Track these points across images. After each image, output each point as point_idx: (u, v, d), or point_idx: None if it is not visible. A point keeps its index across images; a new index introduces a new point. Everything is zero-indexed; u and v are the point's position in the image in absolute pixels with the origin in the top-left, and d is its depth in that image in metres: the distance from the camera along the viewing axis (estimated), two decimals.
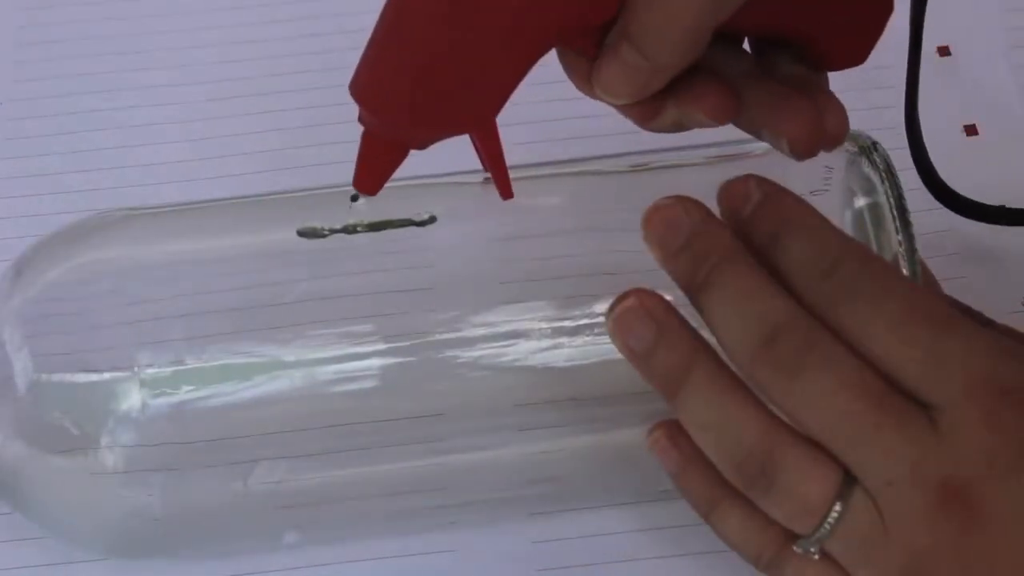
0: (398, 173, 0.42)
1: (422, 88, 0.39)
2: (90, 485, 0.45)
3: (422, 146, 0.41)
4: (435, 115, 0.39)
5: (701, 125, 0.42)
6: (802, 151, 0.42)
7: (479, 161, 0.43)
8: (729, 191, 0.41)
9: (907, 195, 0.44)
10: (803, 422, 0.39)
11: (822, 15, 0.42)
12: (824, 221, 0.41)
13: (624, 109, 0.42)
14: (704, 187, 0.42)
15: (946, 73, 0.60)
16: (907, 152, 0.52)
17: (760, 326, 0.39)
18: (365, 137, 0.41)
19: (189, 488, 0.45)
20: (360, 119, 0.40)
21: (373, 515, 0.48)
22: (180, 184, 0.58)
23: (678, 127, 0.42)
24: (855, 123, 0.44)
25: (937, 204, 0.55)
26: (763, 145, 0.45)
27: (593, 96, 0.41)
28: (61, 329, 0.45)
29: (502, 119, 0.41)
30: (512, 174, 0.42)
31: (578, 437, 0.46)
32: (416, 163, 0.42)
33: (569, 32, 0.40)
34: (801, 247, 0.40)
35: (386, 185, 0.42)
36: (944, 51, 0.61)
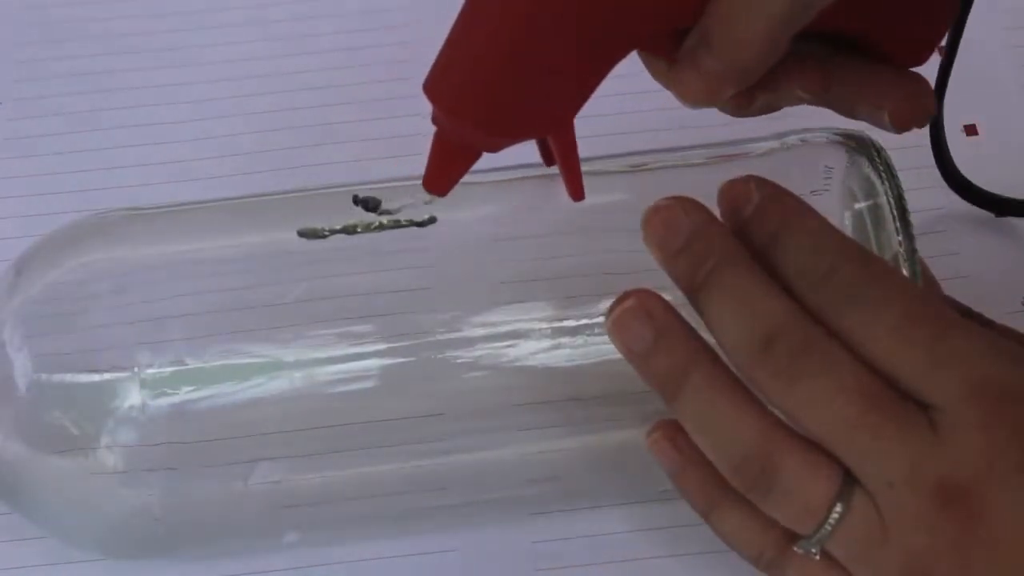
0: (398, 173, 0.41)
1: (500, 94, 0.38)
2: (90, 485, 0.45)
3: (496, 149, 0.40)
4: (513, 121, 0.39)
5: (793, 103, 0.42)
6: (903, 123, 0.42)
7: (543, 159, 0.42)
8: (730, 192, 0.41)
9: (907, 196, 0.44)
10: (802, 424, 0.39)
11: (888, 16, 0.42)
12: (824, 223, 0.40)
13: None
14: (704, 187, 0.42)
15: None
16: (916, 149, 0.52)
17: (757, 328, 0.39)
18: (437, 138, 0.40)
19: (189, 488, 0.45)
20: (433, 119, 0.40)
21: (373, 515, 0.48)
22: (180, 184, 0.58)
23: (769, 109, 0.43)
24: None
25: (938, 206, 0.55)
26: (763, 145, 0.45)
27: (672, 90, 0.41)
28: (61, 329, 0.45)
29: None
30: (512, 175, 0.42)
31: (578, 437, 0.46)
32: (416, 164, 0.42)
33: (647, 37, 0.40)
34: (800, 249, 0.40)
35: (387, 185, 0.42)
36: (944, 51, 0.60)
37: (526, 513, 0.49)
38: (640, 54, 0.41)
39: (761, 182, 0.41)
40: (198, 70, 0.62)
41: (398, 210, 0.45)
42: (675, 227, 0.40)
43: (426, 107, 0.39)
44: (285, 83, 0.61)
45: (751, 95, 0.42)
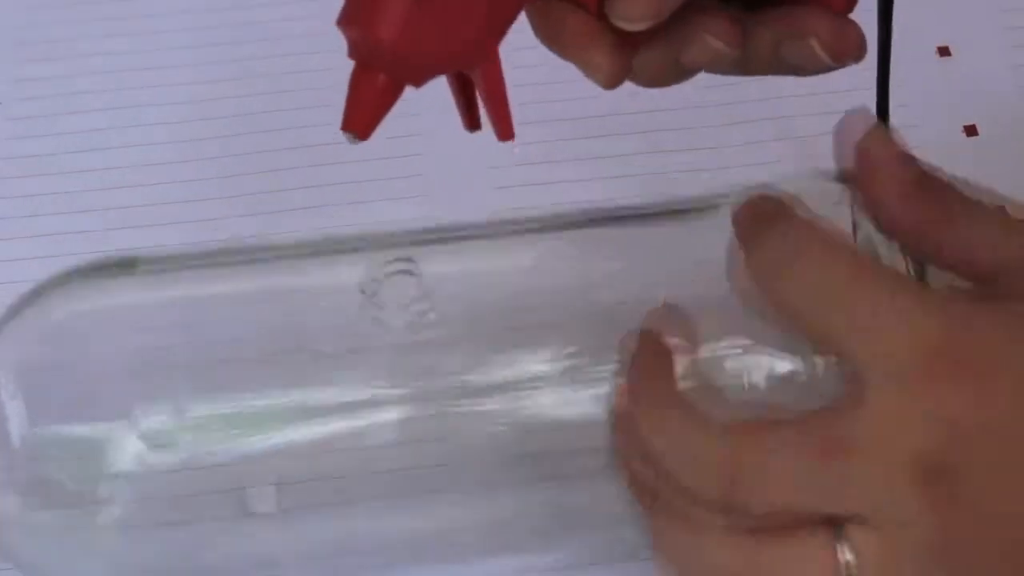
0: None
1: (419, 16, 0.37)
2: (88, 539, 0.44)
3: (417, 81, 0.38)
4: (434, 47, 0.38)
5: (707, 58, 0.41)
6: (837, 51, 0.41)
7: (460, 111, 0.41)
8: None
9: None
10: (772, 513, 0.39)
11: None
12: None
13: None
14: (703, 238, 0.41)
15: (946, 73, 0.60)
16: None
17: (708, 475, 0.38)
18: (356, 74, 0.38)
19: (190, 542, 0.44)
20: (350, 53, 0.38)
21: (375, 565, 0.47)
22: (181, 184, 0.58)
23: (685, 70, 0.42)
24: None
25: None
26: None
27: (563, 52, 0.40)
28: (57, 380, 0.44)
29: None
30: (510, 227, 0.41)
31: (588, 488, 0.45)
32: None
33: None
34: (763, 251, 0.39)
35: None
36: (944, 51, 0.61)
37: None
38: (540, 17, 0.40)
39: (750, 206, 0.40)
40: (199, 70, 0.62)
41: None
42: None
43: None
44: (292, 83, 0.61)
45: (666, 51, 0.41)
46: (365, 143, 0.39)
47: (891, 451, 0.37)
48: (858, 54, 0.42)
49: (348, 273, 0.44)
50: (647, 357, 0.40)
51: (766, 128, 0.53)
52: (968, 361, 0.37)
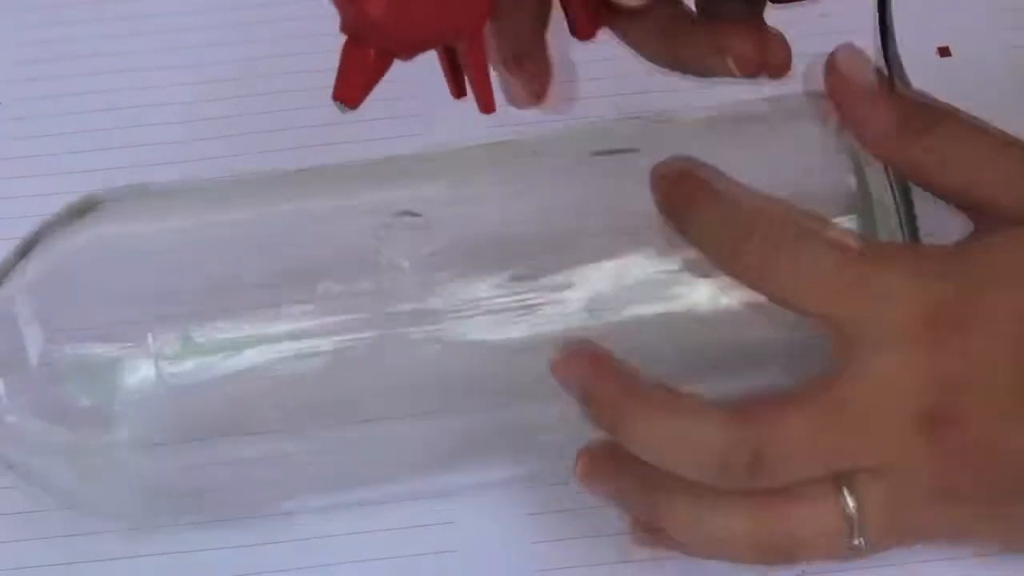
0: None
1: None
2: (103, 456, 0.45)
3: (405, 55, 0.40)
4: (422, 21, 0.39)
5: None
6: (747, 67, 0.44)
7: (447, 79, 0.42)
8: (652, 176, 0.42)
9: None
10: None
11: None
12: (735, 187, 0.41)
13: None
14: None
15: (946, 73, 0.60)
16: None
17: (703, 456, 0.41)
18: (347, 46, 0.40)
19: (202, 460, 0.46)
20: (342, 27, 0.40)
21: (378, 476, 0.48)
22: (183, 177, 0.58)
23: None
24: None
25: None
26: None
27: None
28: (72, 302, 0.45)
29: None
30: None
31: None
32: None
33: None
34: (711, 219, 0.41)
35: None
36: (944, 51, 0.61)
37: (525, 513, 0.49)
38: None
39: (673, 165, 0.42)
40: (199, 69, 0.62)
41: None
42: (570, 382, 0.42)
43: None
44: (287, 84, 0.61)
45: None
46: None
47: (897, 408, 0.40)
48: (774, 75, 0.45)
49: (354, 203, 0.46)
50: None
51: None
52: (952, 322, 0.40)
